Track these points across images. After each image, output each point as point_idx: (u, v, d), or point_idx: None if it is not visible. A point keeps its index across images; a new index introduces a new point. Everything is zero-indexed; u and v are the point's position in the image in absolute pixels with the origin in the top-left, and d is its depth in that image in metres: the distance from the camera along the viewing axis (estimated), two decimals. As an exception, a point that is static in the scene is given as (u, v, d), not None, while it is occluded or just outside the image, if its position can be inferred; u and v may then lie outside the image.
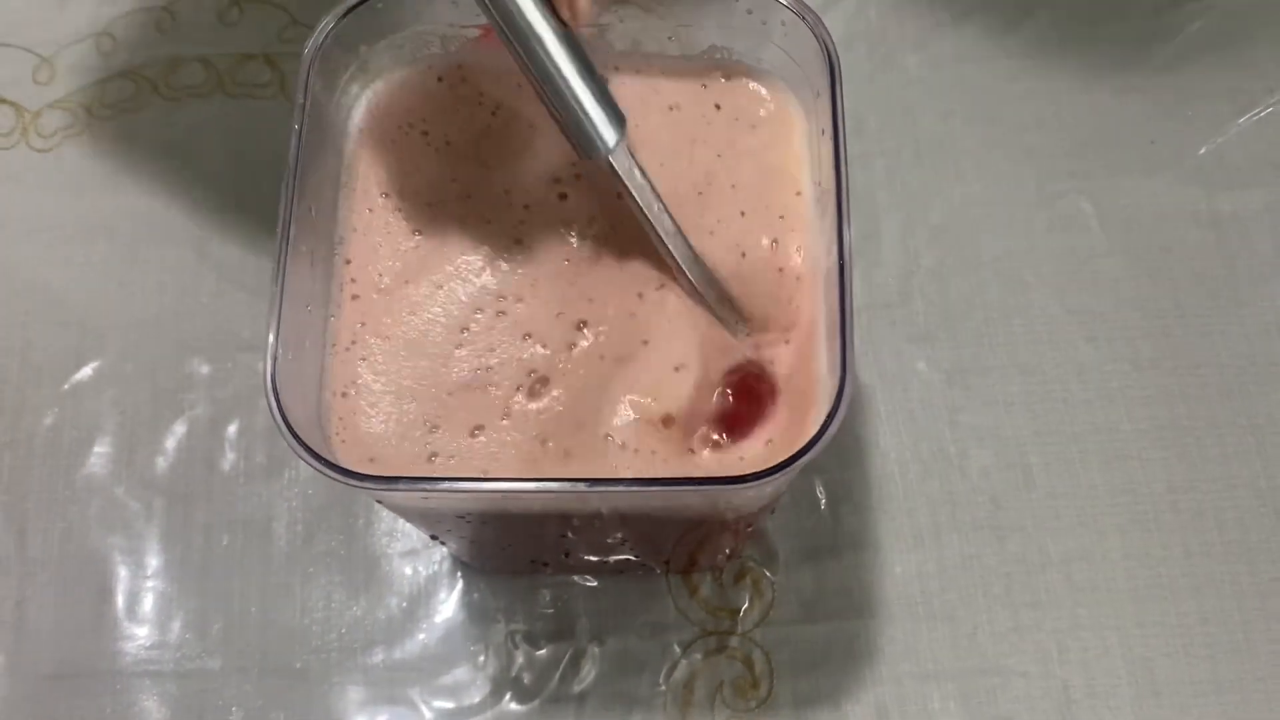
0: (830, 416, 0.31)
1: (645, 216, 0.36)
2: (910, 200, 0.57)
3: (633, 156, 0.36)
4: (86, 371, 0.54)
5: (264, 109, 0.59)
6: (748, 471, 0.31)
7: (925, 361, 0.54)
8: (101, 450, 0.53)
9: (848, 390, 0.31)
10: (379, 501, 0.39)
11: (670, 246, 0.37)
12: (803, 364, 0.37)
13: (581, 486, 0.31)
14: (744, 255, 0.38)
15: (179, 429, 0.53)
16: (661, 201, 0.36)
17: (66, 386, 0.54)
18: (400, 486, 0.32)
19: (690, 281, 0.37)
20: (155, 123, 0.58)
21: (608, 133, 0.35)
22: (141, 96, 0.59)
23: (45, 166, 0.58)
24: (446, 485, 0.32)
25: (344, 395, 0.36)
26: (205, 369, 0.54)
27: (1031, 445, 0.53)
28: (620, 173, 0.36)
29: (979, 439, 0.53)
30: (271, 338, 0.32)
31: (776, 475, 0.31)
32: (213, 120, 0.58)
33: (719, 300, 0.38)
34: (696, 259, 0.37)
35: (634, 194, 0.36)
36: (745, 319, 0.38)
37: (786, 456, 0.31)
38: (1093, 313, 0.55)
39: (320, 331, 0.36)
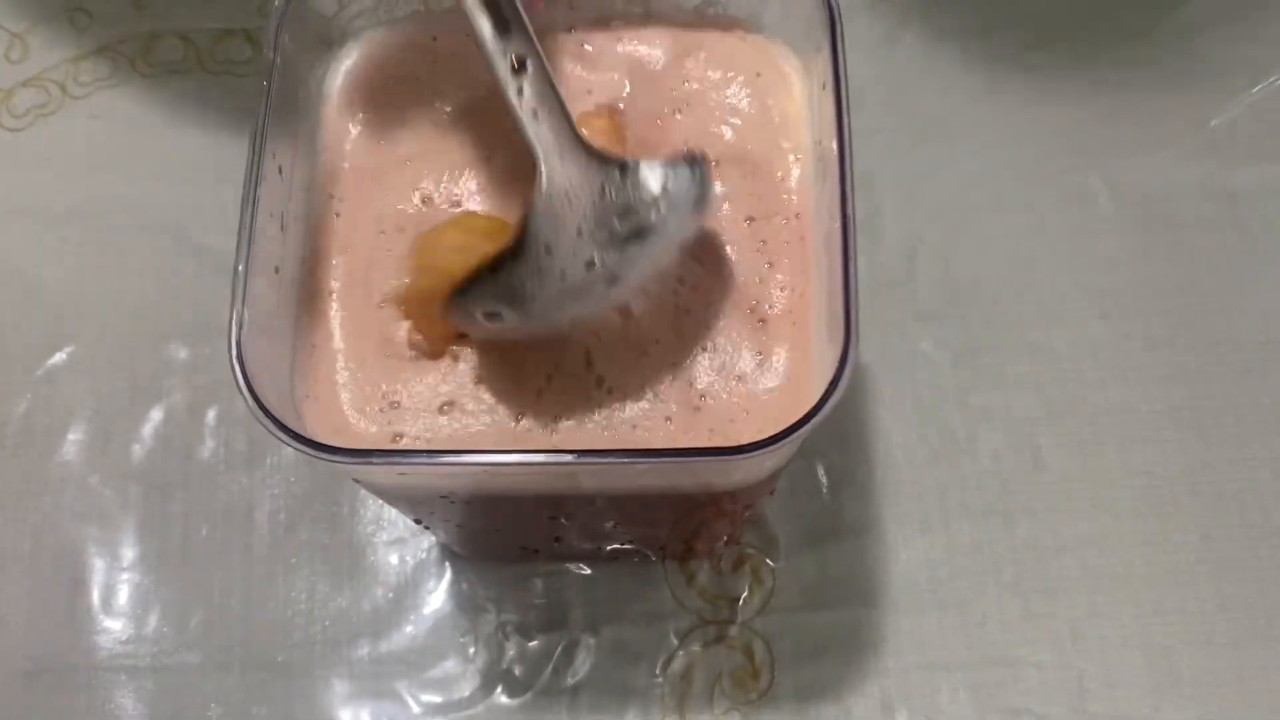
0: (832, 385, 0.29)
1: (494, 65, 0.34)
2: (913, 177, 0.56)
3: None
4: (60, 357, 0.53)
5: (245, 86, 0.57)
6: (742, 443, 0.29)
7: (931, 341, 0.52)
8: (75, 438, 0.51)
9: (851, 357, 0.29)
10: (357, 480, 0.37)
11: (513, 94, 0.34)
12: (800, 334, 0.35)
13: (568, 459, 0.29)
14: (751, 219, 0.36)
15: (156, 416, 0.52)
16: (515, 43, 0.33)
17: (40, 372, 0.52)
18: (375, 460, 0.30)
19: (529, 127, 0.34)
20: (132, 101, 0.57)
21: None
22: (118, 74, 0.57)
23: (17, 147, 0.56)
24: (422, 460, 0.30)
25: (313, 383, 0.34)
26: (183, 354, 0.53)
27: (1043, 426, 0.51)
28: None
29: (988, 420, 0.51)
30: (236, 305, 0.30)
31: (772, 447, 0.29)
32: (192, 98, 0.57)
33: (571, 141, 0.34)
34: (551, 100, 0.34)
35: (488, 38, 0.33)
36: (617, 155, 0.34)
37: (781, 429, 0.29)
38: (1104, 289, 0.53)
39: (291, 300, 0.35)
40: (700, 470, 0.32)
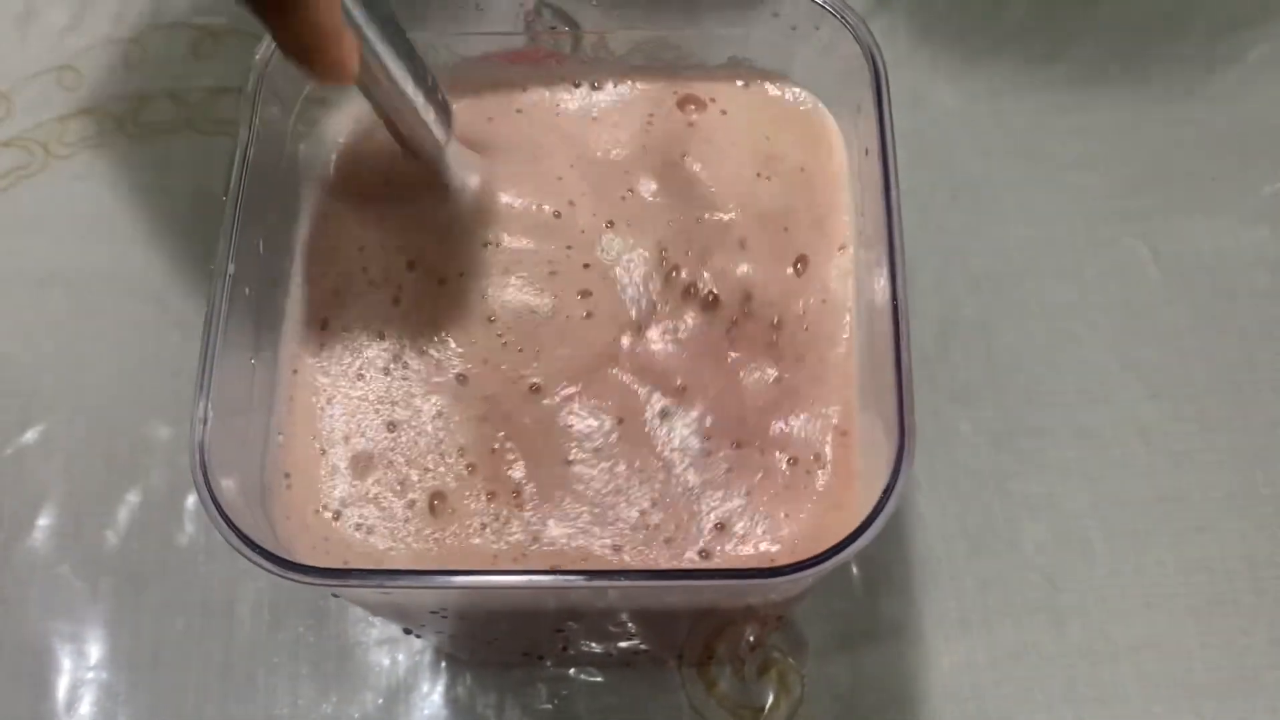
0: (887, 492, 0.25)
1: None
2: (947, 245, 0.52)
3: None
4: (31, 435, 0.49)
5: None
6: (781, 562, 0.25)
7: (969, 423, 0.49)
8: (45, 523, 0.48)
9: (906, 461, 0.25)
10: (335, 596, 0.33)
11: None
12: (842, 429, 0.31)
13: (579, 580, 0.26)
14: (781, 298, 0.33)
15: (133, 499, 0.48)
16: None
17: (9, 451, 0.49)
18: (352, 582, 0.26)
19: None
20: (119, 163, 0.54)
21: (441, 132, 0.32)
22: (105, 134, 0.55)
23: (-4, 209, 0.54)
24: (408, 580, 0.27)
25: (287, 475, 0.30)
26: (164, 432, 0.49)
27: (1091, 517, 0.47)
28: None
29: (1032, 510, 0.47)
30: (202, 400, 0.27)
31: (817, 566, 0.25)
32: (182, 160, 0.54)
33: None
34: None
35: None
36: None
37: (831, 543, 0.25)
38: (1154, 367, 0.50)
39: (267, 391, 0.31)
40: (736, 589, 0.28)
